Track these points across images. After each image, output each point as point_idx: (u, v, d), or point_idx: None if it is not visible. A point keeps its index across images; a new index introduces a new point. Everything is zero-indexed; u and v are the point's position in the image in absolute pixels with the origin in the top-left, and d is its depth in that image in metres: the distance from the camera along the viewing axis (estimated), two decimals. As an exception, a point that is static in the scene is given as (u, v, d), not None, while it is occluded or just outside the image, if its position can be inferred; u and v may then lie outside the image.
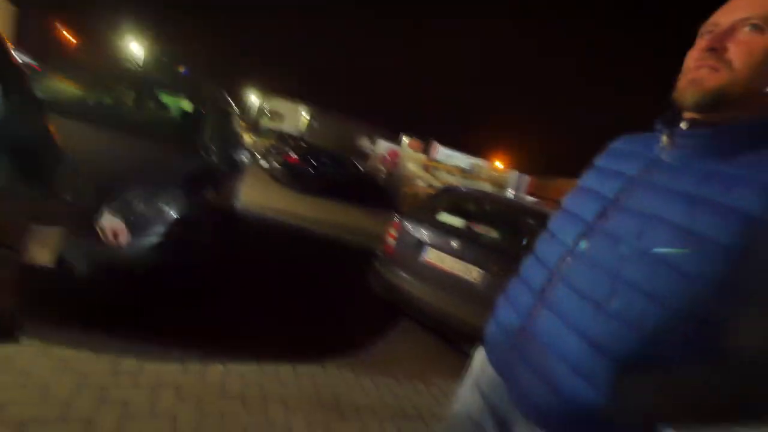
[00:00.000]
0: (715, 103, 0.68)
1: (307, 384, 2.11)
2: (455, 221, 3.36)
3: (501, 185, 16.07)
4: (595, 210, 0.78)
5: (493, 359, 0.91)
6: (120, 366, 1.83)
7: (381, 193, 12.53)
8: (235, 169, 4.00)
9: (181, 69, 4.11)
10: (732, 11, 0.68)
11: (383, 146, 16.31)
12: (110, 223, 1.90)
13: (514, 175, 18.61)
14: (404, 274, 3.18)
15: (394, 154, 15.17)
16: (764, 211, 0.58)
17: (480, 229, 3.38)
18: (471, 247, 2.99)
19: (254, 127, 23.80)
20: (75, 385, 1.63)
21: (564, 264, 0.78)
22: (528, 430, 0.81)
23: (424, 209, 3.62)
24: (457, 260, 2.99)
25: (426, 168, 14.13)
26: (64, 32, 20.66)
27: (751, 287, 0.59)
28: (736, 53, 0.66)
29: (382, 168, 14.61)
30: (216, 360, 2.06)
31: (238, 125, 4.88)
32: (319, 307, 3.26)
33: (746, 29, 0.65)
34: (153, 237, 2.23)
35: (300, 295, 3.40)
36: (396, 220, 3.41)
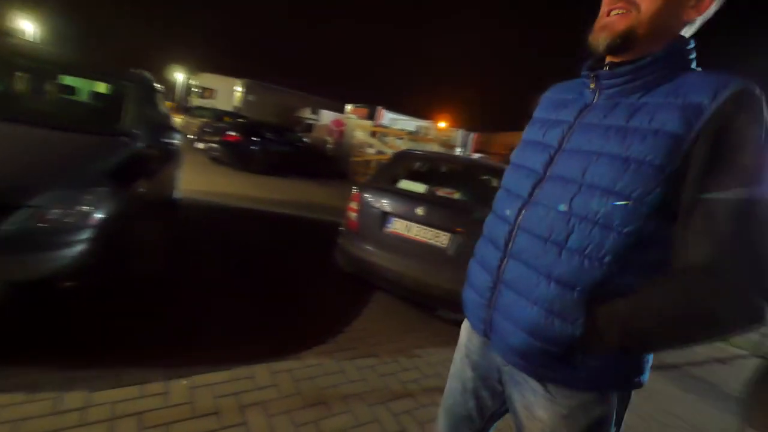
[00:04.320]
0: (624, 43, 0.72)
1: (286, 382, 1.95)
2: (416, 187, 3.24)
3: (449, 144, 16.20)
4: (543, 160, 0.82)
5: (474, 321, 0.92)
6: (63, 403, 1.56)
7: (331, 164, 12.14)
8: (168, 154, 3.56)
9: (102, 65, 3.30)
10: None
11: (327, 116, 15.68)
12: None
13: (459, 133, 18.83)
14: (371, 248, 3.05)
15: (339, 123, 14.66)
16: (685, 130, 0.64)
17: (442, 192, 3.30)
18: (436, 211, 2.91)
19: (183, 107, 21.92)
20: (7, 436, 1.36)
21: (522, 215, 0.81)
22: (525, 390, 0.84)
23: (383, 178, 3.46)
24: (424, 227, 2.90)
25: (374, 134, 13.82)
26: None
27: (686, 206, 0.65)
28: None
29: (329, 138, 14.09)
30: (179, 375, 1.83)
31: (165, 105, 4.33)
32: (285, 295, 3.06)
33: None
34: (78, 245, 1.89)
35: (263, 285, 3.17)
36: (355, 192, 3.23)
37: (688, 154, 0.64)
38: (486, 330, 0.87)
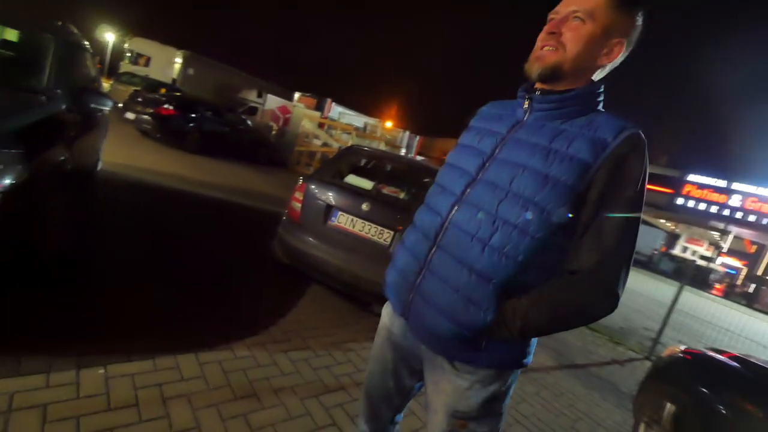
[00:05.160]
0: (552, 75, 0.87)
1: (215, 373, 1.88)
2: (363, 183, 3.27)
3: (394, 144, 16.45)
4: (477, 163, 0.93)
5: (397, 303, 1.00)
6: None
7: (272, 151, 11.71)
8: (92, 121, 3.21)
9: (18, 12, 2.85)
10: (567, 3, 0.87)
11: (273, 101, 15.09)
12: None
13: (405, 134, 19.19)
14: (313, 240, 3.02)
15: (286, 110, 14.18)
16: (592, 159, 0.80)
17: (388, 190, 3.37)
18: (381, 209, 2.96)
19: (112, 72, 19.74)
20: None
21: (454, 211, 0.91)
22: (435, 367, 0.96)
23: (330, 171, 3.44)
24: (368, 223, 2.94)
25: (321, 126, 13.58)
26: None
27: (584, 221, 0.81)
28: (567, 38, 0.85)
29: (273, 124, 13.57)
30: (94, 364, 1.68)
31: (95, 67, 3.90)
32: (216, 284, 2.92)
33: (574, 19, 0.84)
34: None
35: (192, 271, 3.00)
36: (301, 182, 3.17)
37: (591, 179, 0.80)
38: (405, 311, 0.97)
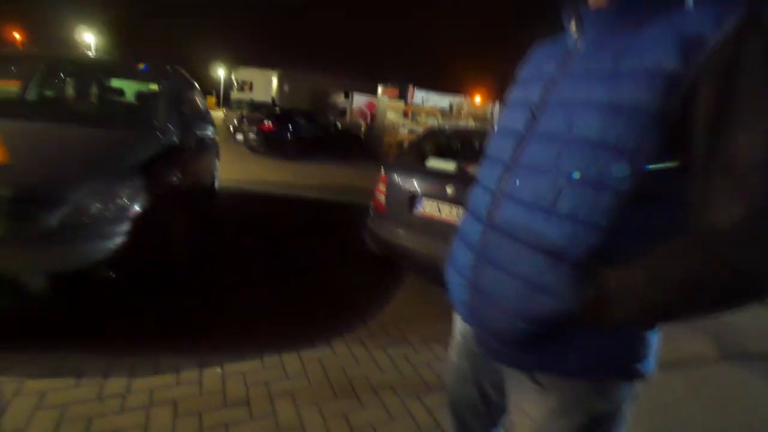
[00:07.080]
0: None
1: (316, 371, 1.94)
2: (446, 165, 3.08)
3: (485, 119, 15.56)
4: (525, 117, 0.73)
5: (458, 306, 0.82)
6: (105, 389, 1.63)
7: (363, 147, 12.12)
8: (203, 146, 3.64)
9: (140, 65, 3.67)
10: None
11: (359, 99, 15.57)
12: None
13: (496, 107, 17.99)
14: (401, 231, 2.95)
15: (372, 106, 14.51)
16: (682, 65, 0.53)
17: (472, 169, 3.12)
18: (467, 190, 2.74)
19: (225, 101, 22.75)
20: (54, 421, 1.44)
21: (504, 180, 0.72)
22: (514, 384, 0.75)
23: (411, 157, 3.32)
24: (455, 207, 2.75)
25: (406, 114, 13.55)
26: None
27: (700, 152, 0.54)
28: None
29: (362, 122, 14.01)
30: (212, 363, 1.87)
31: (202, 100, 4.44)
32: (317, 280, 3.06)
33: None
34: (117, 237, 1.96)
35: (294, 271, 3.19)
36: (383, 173, 3.13)
37: (689, 95, 0.53)
38: (470, 318, 0.79)
